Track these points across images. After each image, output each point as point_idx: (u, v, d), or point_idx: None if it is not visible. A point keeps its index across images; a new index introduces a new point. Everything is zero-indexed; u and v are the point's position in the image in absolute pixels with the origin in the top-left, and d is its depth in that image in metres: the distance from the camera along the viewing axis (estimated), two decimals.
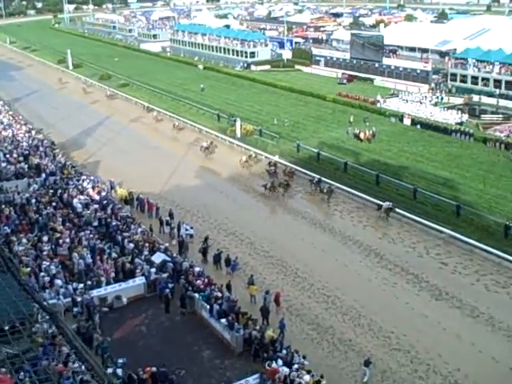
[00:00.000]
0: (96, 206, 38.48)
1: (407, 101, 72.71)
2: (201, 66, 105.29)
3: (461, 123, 62.68)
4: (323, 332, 27.80)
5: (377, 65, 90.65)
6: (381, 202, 40.81)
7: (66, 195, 39.78)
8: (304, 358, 24.21)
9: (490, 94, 74.89)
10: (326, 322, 28.61)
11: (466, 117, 65.10)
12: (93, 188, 41.73)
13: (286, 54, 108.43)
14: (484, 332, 27.93)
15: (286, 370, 23.14)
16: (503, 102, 72.01)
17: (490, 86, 76.78)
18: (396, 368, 25.40)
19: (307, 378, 22.77)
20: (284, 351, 24.49)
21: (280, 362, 23.67)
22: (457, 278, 32.81)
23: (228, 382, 23.06)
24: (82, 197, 39.74)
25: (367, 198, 43.20)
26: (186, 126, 64.42)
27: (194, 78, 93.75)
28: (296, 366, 23.52)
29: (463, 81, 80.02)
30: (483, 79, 78.01)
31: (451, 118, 64.53)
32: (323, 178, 45.40)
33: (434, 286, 31.71)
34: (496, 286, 31.86)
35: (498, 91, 75.09)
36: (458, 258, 34.85)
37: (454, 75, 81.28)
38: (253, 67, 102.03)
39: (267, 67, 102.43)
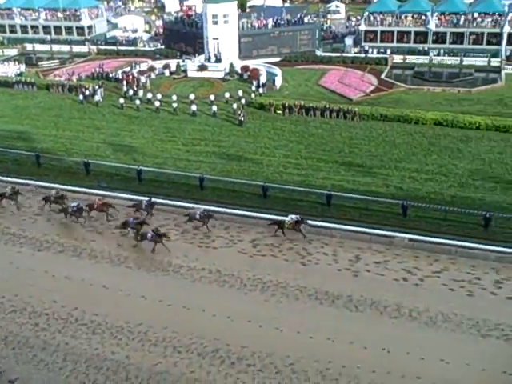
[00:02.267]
0: None
1: None
2: None
3: (20, 74, 62.08)
4: None
5: None
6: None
7: None
8: None
9: (43, 41, 75.48)
10: None
11: (23, 67, 64.66)
12: None
13: None
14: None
15: None
16: (56, 47, 73.67)
17: (41, 33, 77.41)
18: (17, 329, 24.82)
19: None
20: None
21: None
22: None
23: None
24: None
25: None
26: None
27: None
28: None
29: (13, 31, 78.69)
30: (32, 27, 78.07)
31: (10, 70, 63.35)
32: None
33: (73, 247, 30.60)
34: (177, 231, 31.48)
35: (49, 37, 76.30)
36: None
37: (2, 26, 79.05)
38: None
39: None
